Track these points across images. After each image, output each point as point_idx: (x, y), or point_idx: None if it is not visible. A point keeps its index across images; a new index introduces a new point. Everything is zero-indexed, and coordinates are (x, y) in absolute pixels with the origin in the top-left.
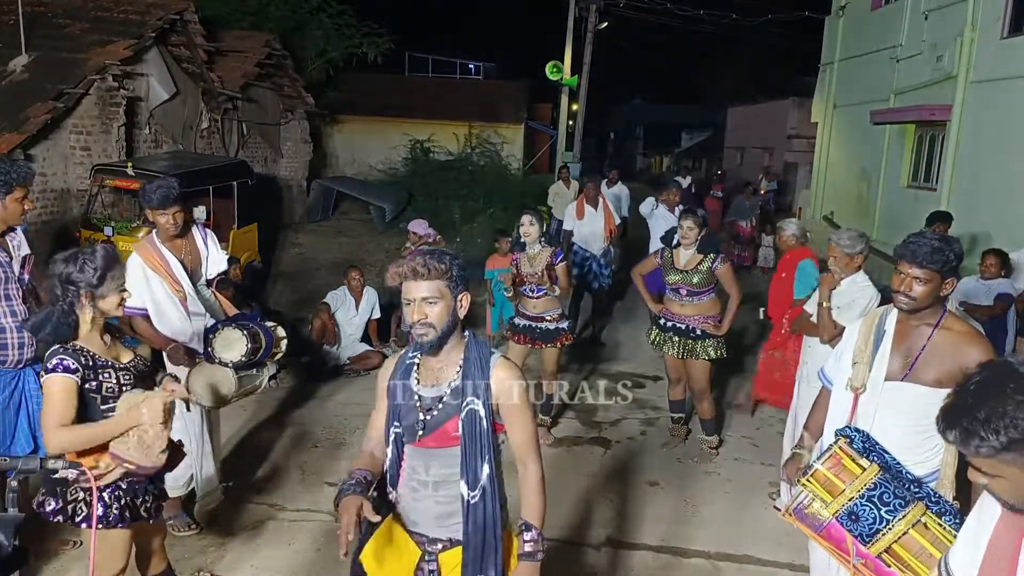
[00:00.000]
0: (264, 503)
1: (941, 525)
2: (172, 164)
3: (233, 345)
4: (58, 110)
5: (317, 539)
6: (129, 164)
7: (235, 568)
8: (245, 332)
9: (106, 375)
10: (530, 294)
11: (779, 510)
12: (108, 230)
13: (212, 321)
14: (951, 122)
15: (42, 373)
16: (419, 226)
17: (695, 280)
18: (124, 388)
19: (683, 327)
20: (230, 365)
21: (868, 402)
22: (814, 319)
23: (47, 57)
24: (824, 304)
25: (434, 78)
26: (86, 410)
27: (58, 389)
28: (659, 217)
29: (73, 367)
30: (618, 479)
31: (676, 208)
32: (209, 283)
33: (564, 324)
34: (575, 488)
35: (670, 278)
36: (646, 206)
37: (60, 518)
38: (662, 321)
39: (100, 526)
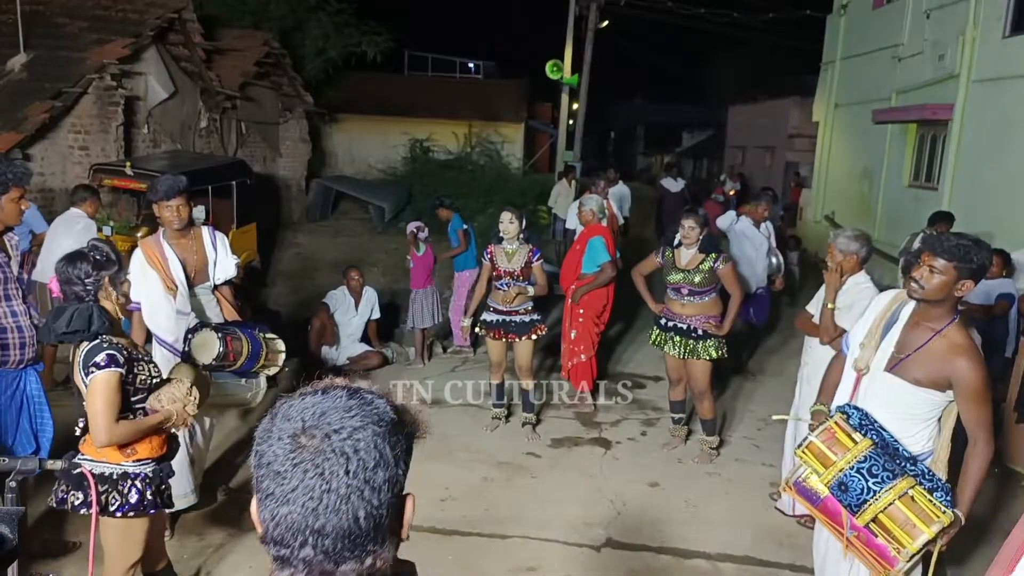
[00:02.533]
0: None
1: (931, 501)
2: (171, 163)
3: (207, 347)
4: (56, 109)
5: None
6: (128, 163)
7: (235, 569)
8: (220, 336)
9: (140, 367)
10: (504, 288)
11: (780, 510)
12: (107, 230)
13: (196, 321)
14: (953, 121)
15: (79, 371)
16: (414, 225)
17: (697, 280)
18: (155, 379)
19: (684, 327)
20: (200, 366)
21: (866, 384)
22: (816, 319)
23: (45, 56)
24: (829, 306)
25: (434, 77)
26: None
27: (111, 384)
28: (740, 233)
29: (121, 361)
30: (618, 479)
31: (763, 223)
32: (215, 287)
33: (537, 316)
34: (575, 488)
35: (672, 277)
36: (725, 220)
37: (95, 510)
38: (663, 321)
39: (132, 514)
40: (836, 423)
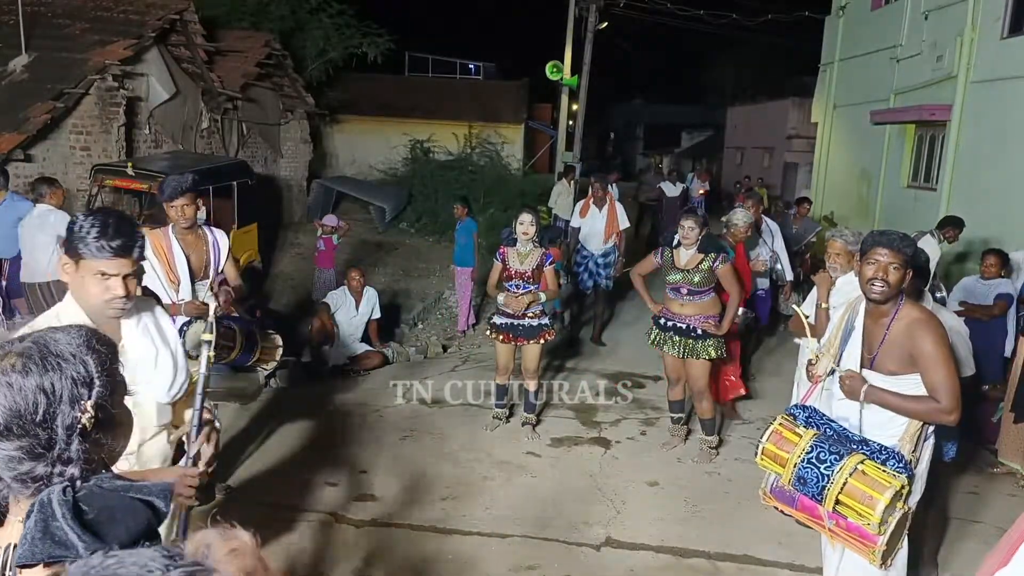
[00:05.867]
0: (264, 503)
1: (883, 470)
2: (172, 164)
3: (200, 341)
4: (58, 110)
5: (317, 539)
6: (129, 164)
7: None
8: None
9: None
10: (513, 290)
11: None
12: None
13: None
14: (951, 122)
15: None
16: (330, 219)
17: (696, 280)
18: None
19: (683, 327)
20: (194, 359)
21: (832, 387)
22: (811, 320)
23: (47, 57)
24: (823, 305)
25: (434, 78)
26: None
27: None
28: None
29: None
30: (618, 479)
31: (764, 225)
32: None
33: (546, 320)
34: (575, 488)
35: (671, 278)
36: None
37: None
38: (662, 321)
39: None
40: (780, 424)
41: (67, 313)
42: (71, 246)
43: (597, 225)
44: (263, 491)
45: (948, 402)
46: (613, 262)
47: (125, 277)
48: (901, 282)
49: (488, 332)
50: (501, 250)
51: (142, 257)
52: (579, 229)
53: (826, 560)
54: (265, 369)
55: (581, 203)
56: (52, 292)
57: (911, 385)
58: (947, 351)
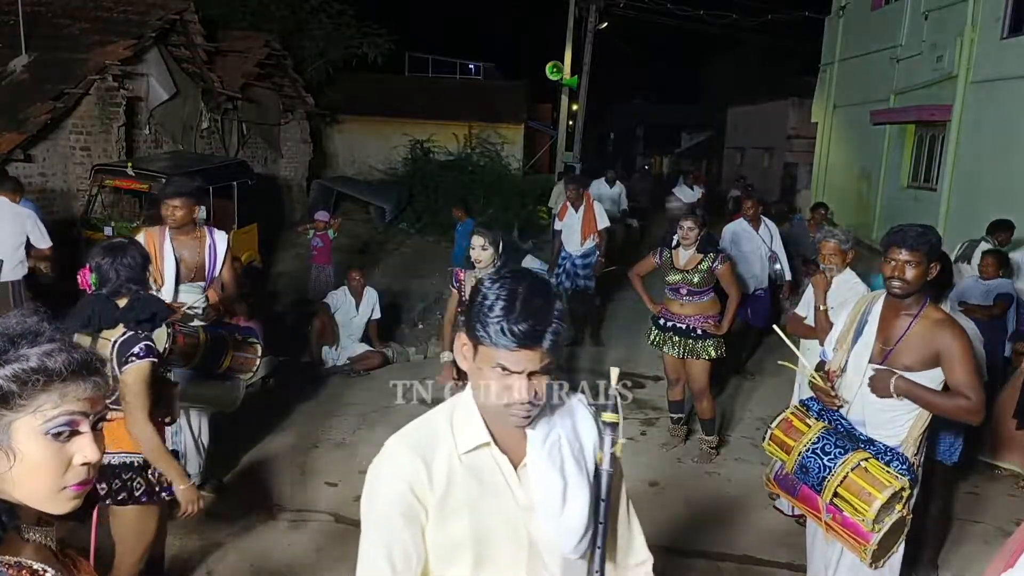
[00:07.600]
0: (264, 503)
1: (886, 470)
2: (172, 164)
3: (157, 340)
4: (58, 110)
5: (317, 539)
6: (129, 164)
7: (235, 568)
8: (170, 332)
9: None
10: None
11: (779, 510)
12: (108, 230)
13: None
14: (951, 122)
15: (112, 361)
16: (321, 215)
17: (695, 280)
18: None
19: (683, 327)
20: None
21: (850, 383)
22: (809, 322)
23: (47, 57)
24: (821, 307)
25: (434, 78)
26: None
27: (149, 376)
28: (736, 234)
29: (156, 352)
30: None
31: (763, 225)
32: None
33: None
34: None
35: (670, 278)
36: (727, 231)
37: (109, 500)
38: (661, 321)
39: (144, 500)
40: (792, 413)
41: (463, 407)
42: (470, 324)
43: (575, 226)
44: (263, 492)
45: (977, 400)
46: (593, 262)
47: (531, 375)
48: (922, 278)
49: (455, 379)
50: (458, 276)
51: (556, 347)
52: (561, 231)
53: (811, 558)
54: (241, 378)
55: (559, 206)
56: (22, 291)
57: (925, 383)
58: (973, 353)
